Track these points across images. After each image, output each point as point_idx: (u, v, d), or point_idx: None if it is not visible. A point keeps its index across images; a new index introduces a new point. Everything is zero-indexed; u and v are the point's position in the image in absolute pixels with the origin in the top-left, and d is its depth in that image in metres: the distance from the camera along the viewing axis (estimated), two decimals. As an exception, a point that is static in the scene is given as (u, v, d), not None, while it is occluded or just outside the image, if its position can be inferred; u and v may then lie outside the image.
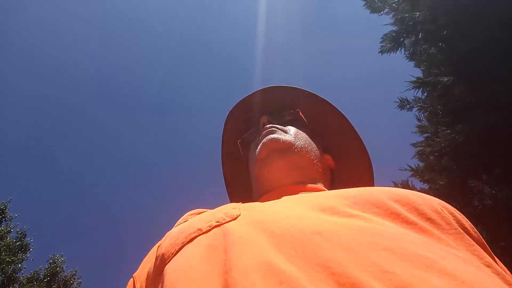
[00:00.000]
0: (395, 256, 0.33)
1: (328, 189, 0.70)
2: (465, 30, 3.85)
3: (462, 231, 0.43)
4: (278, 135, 0.69)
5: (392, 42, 5.44)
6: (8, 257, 12.16)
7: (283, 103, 0.82)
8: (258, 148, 0.69)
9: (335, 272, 0.31)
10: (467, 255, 0.39)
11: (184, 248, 0.43)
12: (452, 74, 4.08)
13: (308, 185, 0.65)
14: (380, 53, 5.61)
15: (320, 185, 0.67)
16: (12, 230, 13.08)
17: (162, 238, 0.53)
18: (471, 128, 3.73)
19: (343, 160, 0.82)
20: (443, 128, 4.37)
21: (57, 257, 14.46)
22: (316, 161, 0.71)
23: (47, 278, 13.66)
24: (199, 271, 0.36)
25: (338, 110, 0.83)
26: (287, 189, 0.63)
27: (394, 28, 5.35)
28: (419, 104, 5.09)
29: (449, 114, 4.47)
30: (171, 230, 0.52)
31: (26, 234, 13.48)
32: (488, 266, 0.39)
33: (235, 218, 0.44)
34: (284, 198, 0.55)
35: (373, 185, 0.81)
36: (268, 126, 0.72)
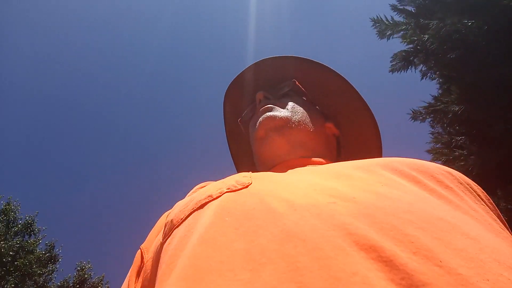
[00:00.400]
0: (416, 219, 0.32)
1: (335, 160, 0.71)
2: (474, 60, 3.76)
3: (480, 200, 0.44)
4: (274, 112, 0.67)
5: (403, 61, 5.35)
6: (39, 270, 12.71)
7: (278, 74, 0.79)
8: (256, 127, 0.68)
9: (354, 233, 0.31)
10: (486, 222, 0.38)
11: (194, 213, 0.41)
12: (464, 103, 4.00)
13: (313, 158, 0.64)
14: (391, 72, 5.53)
15: (326, 159, 0.66)
16: (40, 242, 13.62)
17: (172, 208, 0.52)
18: (485, 162, 3.67)
19: (348, 126, 0.79)
20: (456, 153, 4.30)
21: (84, 264, 15.02)
22: (318, 133, 0.69)
23: (76, 285, 14.24)
24: (215, 234, 0.34)
25: (335, 71, 0.78)
26: (293, 162, 0.62)
27: (405, 48, 5.25)
28: (431, 116, 4.99)
29: (462, 135, 4.39)
30: (181, 201, 0.51)
31: (54, 246, 14.02)
32: (504, 235, 0.38)
33: (247, 186, 0.43)
34: (291, 170, 0.53)
35: (381, 154, 0.80)
36: (263, 103, 0.71)
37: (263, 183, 0.44)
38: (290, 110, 0.68)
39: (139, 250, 0.54)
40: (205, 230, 0.35)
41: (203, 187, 0.54)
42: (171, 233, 0.41)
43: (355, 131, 0.79)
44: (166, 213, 0.58)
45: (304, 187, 0.41)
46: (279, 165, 0.64)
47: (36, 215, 13.89)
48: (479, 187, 0.48)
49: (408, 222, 0.32)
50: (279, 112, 0.67)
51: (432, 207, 0.36)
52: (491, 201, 0.46)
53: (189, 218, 0.41)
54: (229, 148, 0.88)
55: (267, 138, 0.65)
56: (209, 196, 0.43)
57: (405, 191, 0.39)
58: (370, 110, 0.78)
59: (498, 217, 0.44)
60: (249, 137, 0.76)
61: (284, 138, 0.64)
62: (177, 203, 0.50)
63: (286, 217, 0.34)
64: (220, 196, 0.42)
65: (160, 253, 0.41)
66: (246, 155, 0.85)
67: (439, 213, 0.34)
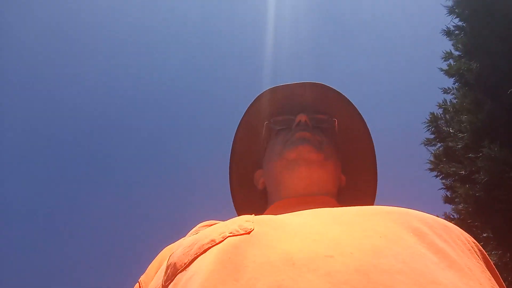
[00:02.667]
0: (409, 281, 0.33)
1: (337, 203, 0.71)
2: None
3: (477, 257, 0.44)
4: (313, 146, 0.68)
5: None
6: None
7: (319, 103, 0.78)
8: (289, 148, 0.68)
9: None
10: (478, 282, 0.39)
11: (197, 259, 0.42)
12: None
13: (324, 197, 0.66)
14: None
15: (333, 200, 0.68)
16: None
17: (171, 245, 0.53)
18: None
19: (352, 176, 0.80)
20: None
21: None
22: (335, 179, 0.71)
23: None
24: (216, 282, 0.36)
25: (365, 122, 0.80)
26: (305, 199, 0.64)
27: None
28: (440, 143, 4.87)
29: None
30: (183, 240, 0.52)
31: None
32: None
33: (249, 232, 0.44)
34: (297, 212, 0.54)
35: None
36: (303, 127, 0.71)
37: (265, 230, 0.45)
38: (326, 152, 0.70)
39: (138, 283, 0.54)
40: (206, 278, 0.37)
41: (206, 225, 0.56)
42: (174, 278, 0.42)
43: (357, 182, 0.81)
44: (168, 247, 0.59)
45: (305, 236, 0.42)
46: (292, 199, 0.66)
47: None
48: (476, 242, 0.48)
49: (401, 283, 0.33)
50: (317, 147, 0.68)
51: (427, 265, 0.37)
52: (487, 257, 0.47)
53: (193, 264, 0.42)
54: (235, 138, 0.84)
55: (295, 165, 0.66)
56: (212, 240, 0.44)
57: (402, 246, 0.40)
58: (376, 172, 0.81)
59: (492, 272, 0.45)
60: (267, 146, 0.77)
61: (310, 172, 0.66)
62: (179, 242, 0.51)
63: (283, 272, 0.35)
64: (222, 241, 0.43)
65: None
66: (250, 155, 0.83)
67: (433, 274, 0.36)
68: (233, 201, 0.86)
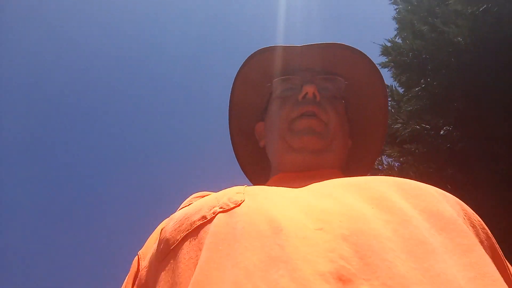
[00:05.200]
0: (397, 247, 0.35)
1: (342, 168, 0.70)
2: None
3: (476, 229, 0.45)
4: (318, 136, 0.64)
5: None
6: None
7: (328, 63, 0.72)
8: (293, 135, 0.64)
9: (335, 261, 0.33)
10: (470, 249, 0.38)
11: (189, 238, 0.43)
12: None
13: (328, 170, 0.64)
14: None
15: (336, 169, 0.67)
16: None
17: (167, 220, 0.54)
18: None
19: (359, 136, 0.78)
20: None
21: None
22: (342, 150, 0.69)
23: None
24: (211, 268, 0.37)
25: (379, 72, 0.74)
26: (307, 174, 0.62)
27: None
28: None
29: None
30: (175, 213, 0.52)
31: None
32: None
33: (239, 205, 0.44)
34: (290, 189, 0.53)
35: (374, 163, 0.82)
36: (311, 103, 0.65)
37: (256, 201, 0.45)
38: (333, 131, 0.66)
39: (137, 256, 0.55)
40: (201, 269, 0.37)
41: (198, 197, 0.55)
42: (167, 252, 0.44)
43: (358, 151, 0.79)
44: (166, 220, 0.59)
45: (296, 209, 0.43)
46: (295, 174, 0.64)
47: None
48: (476, 215, 0.48)
49: (389, 250, 0.34)
50: (322, 136, 0.65)
51: (417, 231, 0.38)
52: (487, 231, 0.47)
53: (185, 242, 0.43)
54: (232, 91, 0.79)
55: (299, 154, 0.64)
56: (202, 217, 0.44)
57: (392, 213, 0.41)
58: (382, 145, 0.78)
59: (488, 239, 0.45)
60: (268, 106, 0.74)
61: (314, 157, 0.64)
62: (171, 216, 0.52)
63: (272, 240, 0.36)
64: (213, 217, 0.43)
65: (157, 274, 0.44)
66: (249, 107, 0.80)
67: (422, 238, 0.37)
68: (234, 152, 0.84)
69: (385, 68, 3.84)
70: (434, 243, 0.37)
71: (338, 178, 0.53)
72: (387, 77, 3.85)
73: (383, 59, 3.85)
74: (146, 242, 0.59)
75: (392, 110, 3.79)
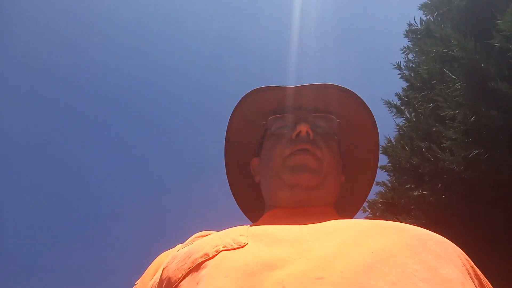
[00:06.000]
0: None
1: (334, 205, 0.71)
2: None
3: (476, 279, 0.45)
4: (312, 172, 0.65)
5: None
6: None
7: (321, 103, 0.74)
8: (288, 172, 0.65)
9: None
10: None
11: (191, 274, 0.44)
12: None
13: (321, 207, 0.65)
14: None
15: (330, 207, 0.68)
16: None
17: (166, 252, 0.54)
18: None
19: (352, 173, 0.79)
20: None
21: None
22: (336, 187, 0.71)
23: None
24: None
25: (371, 112, 0.76)
26: (301, 211, 0.63)
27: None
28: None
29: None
30: (178, 252, 0.52)
31: None
32: None
33: (242, 246, 0.45)
34: (294, 226, 0.53)
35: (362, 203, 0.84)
36: (304, 141, 0.67)
37: (259, 247, 0.46)
38: (326, 170, 0.67)
39: (134, 286, 0.57)
40: None
41: (201, 236, 0.57)
42: None
43: (357, 180, 0.81)
44: (165, 253, 0.61)
45: (299, 254, 0.44)
46: (289, 210, 0.65)
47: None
48: (469, 259, 0.49)
49: None
50: (317, 172, 0.66)
51: (416, 285, 0.38)
52: (479, 273, 0.48)
53: (186, 278, 0.44)
54: (228, 124, 0.81)
55: (293, 191, 0.65)
56: (205, 254, 0.45)
57: (392, 264, 0.41)
58: (376, 168, 0.80)
59: None
60: (262, 145, 0.76)
61: (308, 194, 0.65)
62: (173, 255, 0.53)
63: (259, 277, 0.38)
64: (216, 255, 0.45)
65: None
66: (244, 144, 0.82)
67: None
68: (229, 185, 0.85)
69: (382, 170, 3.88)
70: None
71: (333, 215, 0.55)
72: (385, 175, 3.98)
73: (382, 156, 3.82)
74: (144, 274, 0.60)
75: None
